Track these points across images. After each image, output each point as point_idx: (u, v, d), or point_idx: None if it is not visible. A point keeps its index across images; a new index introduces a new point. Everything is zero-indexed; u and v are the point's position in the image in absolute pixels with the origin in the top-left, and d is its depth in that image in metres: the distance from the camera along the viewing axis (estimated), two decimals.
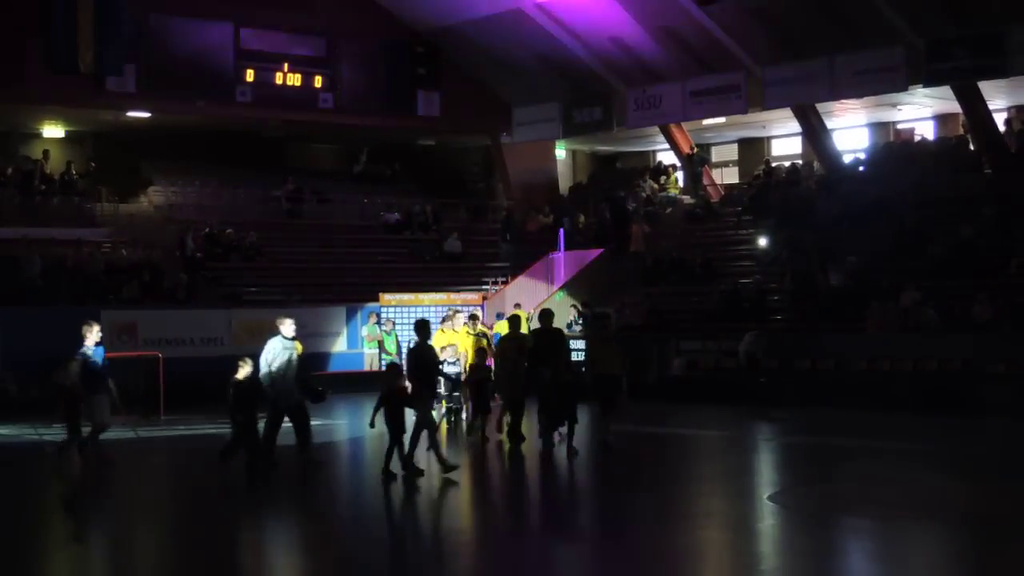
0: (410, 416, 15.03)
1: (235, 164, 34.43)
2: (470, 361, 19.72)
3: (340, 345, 29.10)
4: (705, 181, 34.40)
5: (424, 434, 15.24)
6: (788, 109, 30.91)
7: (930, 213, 26.97)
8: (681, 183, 35.38)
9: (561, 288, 30.56)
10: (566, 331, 22.65)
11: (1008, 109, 31.11)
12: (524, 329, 19.20)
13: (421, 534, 12.72)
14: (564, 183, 38.62)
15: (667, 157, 37.09)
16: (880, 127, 33.96)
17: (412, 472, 14.81)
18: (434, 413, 16.36)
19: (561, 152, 38.64)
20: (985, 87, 27.78)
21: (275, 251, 31.97)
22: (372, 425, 15.06)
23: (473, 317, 20.97)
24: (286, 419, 15.57)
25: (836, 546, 11.51)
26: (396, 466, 14.86)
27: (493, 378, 19.10)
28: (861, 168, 31.66)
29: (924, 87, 28.01)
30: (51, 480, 15.98)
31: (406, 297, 29.15)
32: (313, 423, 16.01)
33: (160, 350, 23.85)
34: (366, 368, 27.79)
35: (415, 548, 11.89)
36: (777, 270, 28.10)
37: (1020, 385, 20.84)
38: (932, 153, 30.70)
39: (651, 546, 11.41)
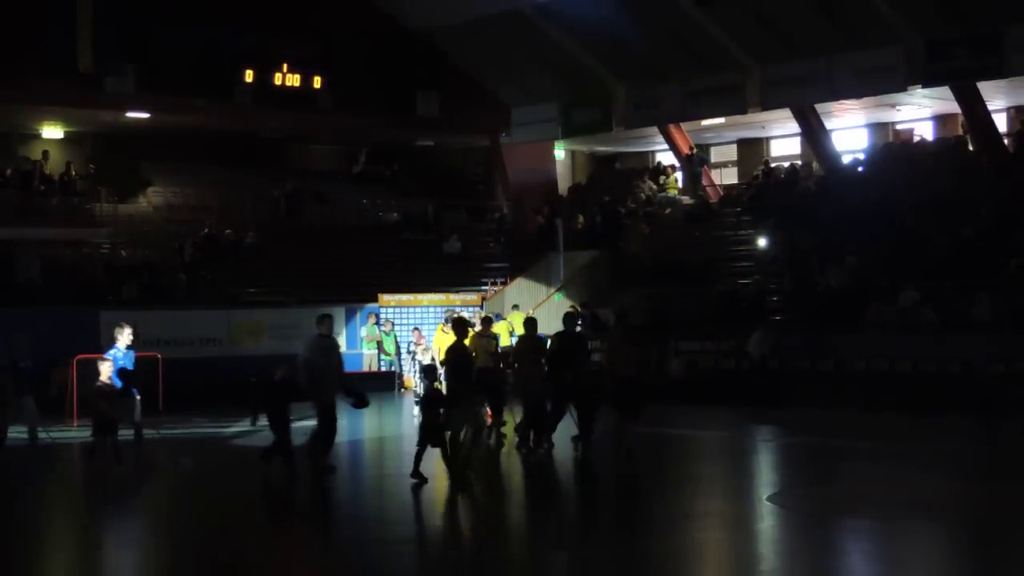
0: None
1: (234, 165, 34.45)
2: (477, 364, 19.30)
3: (339, 346, 29.03)
4: (704, 181, 34.40)
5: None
6: (787, 109, 30.92)
7: (929, 214, 26.97)
8: (680, 183, 35.37)
9: (560, 289, 30.55)
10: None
11: (1007, 109, 31.13)
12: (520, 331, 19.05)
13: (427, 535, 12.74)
14: (563, 183, 38.61)
15: (666, 157, 37.08)
16: (879, 127, 33.96)
17: (458, 475, 14.64)
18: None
19: (560, 152, 38.63)
20: (984, 87, 27.79)
21: (274, 252, 31.96)
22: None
23: (487, 320, 20.56)
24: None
25: (835, 546, 11.50)
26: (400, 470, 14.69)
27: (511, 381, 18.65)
28: (860, 169, 31.67)
29: (923, 87, 28.01)
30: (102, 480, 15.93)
31: (405, 298, 29.17)
32: (313, 424, 15.92)
33: (159, 351, 23.83)
34: (365, 369, 27.79)
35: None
36: (776, 270, 28.10)
37: (1019, 385, 20.83)
38: (931, 153, 30.72)
39: (651, 546, 11.41)
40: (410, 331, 25.88)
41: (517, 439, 17.39)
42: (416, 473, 14.43)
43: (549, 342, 18.21)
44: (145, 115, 31.47)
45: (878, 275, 25.49)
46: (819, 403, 22.55)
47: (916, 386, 22.11)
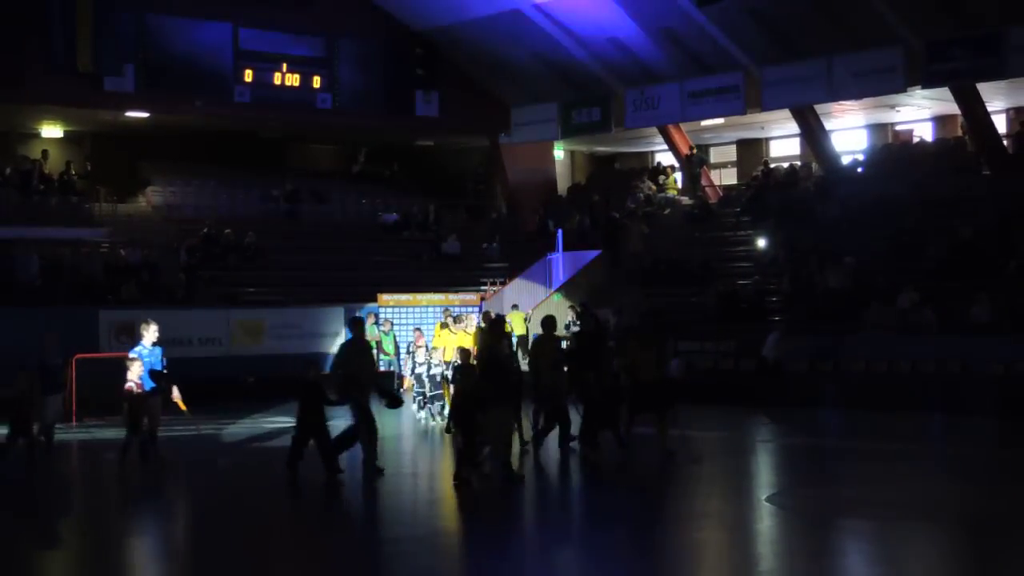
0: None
1: (233, 164, 34.44)
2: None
3: (338, 345, 29.03)
4: (703, 182, 34.41)
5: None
6: (787, 110, 30.93)
7: (928, 214, 26.99)
8: (680, 184, 35.39)
9: (558, 289, 30.56)
10: (564, 332, 22.50)
11: (1007, 110, 31.15)
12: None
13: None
14: (563, 184, 38.63)
15: (666, 158, 37.10)
16: (879, 128, 33.97)
17: (513, 477, 14.56)
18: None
19: (560, 153, 38.65)
20: (983, 88, 27.80)
21: (273, 251, 31.96)
22: (448, 431, 14.65)
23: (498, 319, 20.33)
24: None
25: (834, 547, 11.50)
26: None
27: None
28: (860, 169, 31.69)
29: (923, 88, 28.03)
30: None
31: (404, 298, 29.18)
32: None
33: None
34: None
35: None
36: (775, 271, 28.11)
37: (1018, 386, 20.84)
38: (931, 154, 30.74)
39: (651, 546, 11.42)
40: (409, 331, 25.88)
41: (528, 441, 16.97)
42: (459, 475, 14.41)
43: (564, 343, 17.90)
44: (145, 115, 31.45)
45: (877, 276, 25.50)
46: (818, 403, 22.56)
47: (916, 386, 22.12)
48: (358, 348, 15.74)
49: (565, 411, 16.72)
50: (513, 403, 15.54)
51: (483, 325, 20.63)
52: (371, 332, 27.58)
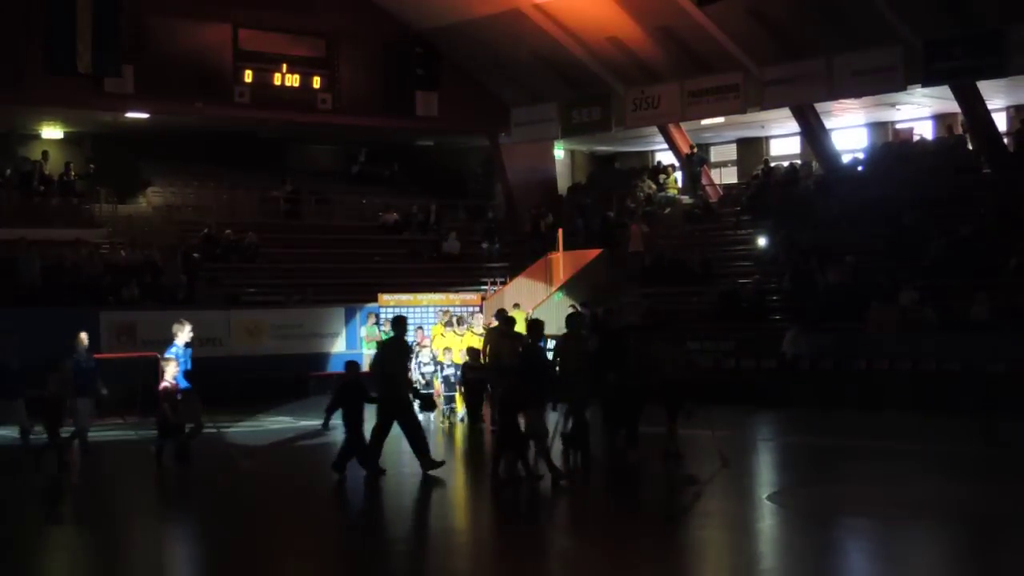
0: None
1: (234, 165, 34.44)
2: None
3: (339, 346, 29.11)
4: (704, 181, 34.40)
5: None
6: (787, 109, 30.92)
7: (929, 213, 26.97)
8: (680, 183, 35.38)
9: (559, 288, 30.55)
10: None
11: (1007, 108, 31.14)
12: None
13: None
14: (563, 183, 38.63)
15: (666, 157, 37.10)
16: (879, 127, 33.97)
17: (559, 474, 14.49)
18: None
19: (560, 152, 38.65)
20: (984, 86, 27.78)
21: (274, 252, 31.98)
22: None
23: (510, 320, 19.94)
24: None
25: (835, 546, 11.50)
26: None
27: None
28: (860, 168, 31.67)
29: (923, 87, 28.03)
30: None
31: (405, 297, 29.17)
32: (311, 423, 15.92)
33: (159, 351, 23.79)
34: (365, 369, 27.73)
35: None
36: (776, 270, 28.11)
37: (1019, 385, 20.83)
38: (931, 153, 30.71)
39: (650, 546, 11.42)
40: (410, 330, 25.86)
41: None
42: (510, 476, 14.40)
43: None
44: (145, 115, 31.46)
45: (878, 274, 25.48)
46: (818, 402, 22.56)
47: (916, 385, 22.12)
48: (399, 347, 15.64)
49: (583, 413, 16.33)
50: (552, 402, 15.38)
51: (496, 324, 20.55)
52: (371, 332, 27.62)
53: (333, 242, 33.39)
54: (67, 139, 33.64)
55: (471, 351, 20.92)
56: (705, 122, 33.26)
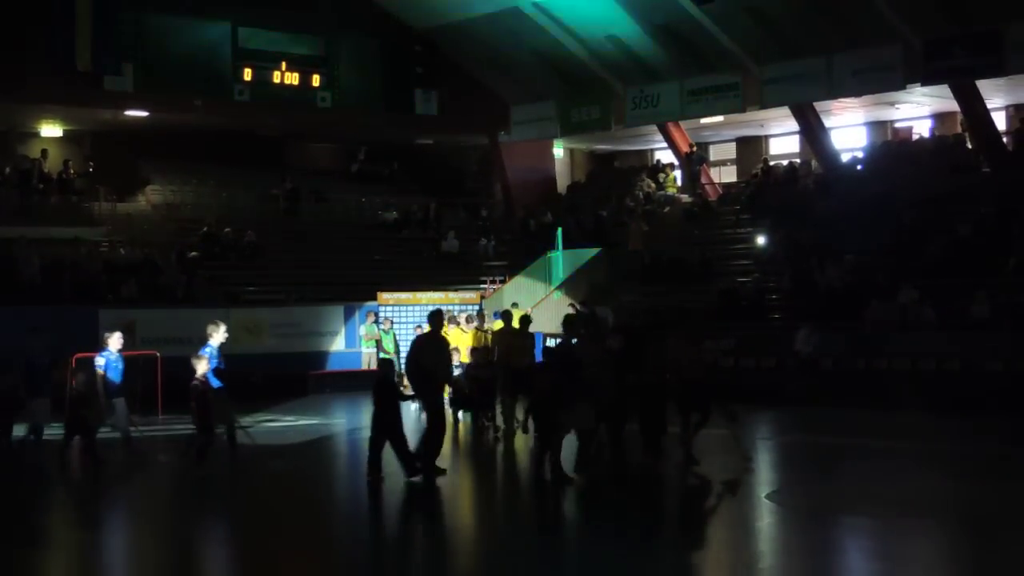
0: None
1: (233, 163, 34.43)
2: (512, 363, 18.37)
3: (338, 344, 29.10)
4: (703, 180, 34.42)
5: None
6: (786, 108, 30.93)
7: (928, 212, 26.97)
8: (679, 182, 35.40)
9: (559, 287, 30.54)
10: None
11: (1006, 108, 31.14)
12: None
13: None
14: (562, 182, 38.65)
15: (665, 156, 37.10)
16: (878, 126, 33.98)
17: (570, 476, 14.38)
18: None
19: (559, 151, 38.66)
20: (983, 85, 27.80)
21: (273, 250, 31.98)
22: (525, 431, 14.47)
23: (526, 319, 19.56)
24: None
25: (834, 544, 11.50)
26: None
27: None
28: (859, 167, 31.69)
29: (922, 86, 28.03)
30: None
31: (404, 296, 29.16)
32: (312, 422, 15.88)
33: (158, 349, 23.81)
34: (364, 367, 27.79)
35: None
36: (775, 269, 28.11)
37: (1018, 384, 20.84)
38: (930, 152, 30.73)
39: (650, 545, 11.42)
40: (410, 329, 25.87)
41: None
42: (538, 473, 14.32)
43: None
44: (144, 113, 31.46)
45: (877, 273, 25.48)
46: (817, 401, 22.54)
47: (915, 384, 22.10)
48: (435, 343, 15.17)
49: (594, 424, 15.77)
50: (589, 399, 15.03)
51: (501, 325, 20.45)
52: (370, 331, 27.64)
53: (332, 241, 33.39)
54: (66, 137, 33.63)
55: (475, 351, 20.92)
56: (704, 121, 33.27)
